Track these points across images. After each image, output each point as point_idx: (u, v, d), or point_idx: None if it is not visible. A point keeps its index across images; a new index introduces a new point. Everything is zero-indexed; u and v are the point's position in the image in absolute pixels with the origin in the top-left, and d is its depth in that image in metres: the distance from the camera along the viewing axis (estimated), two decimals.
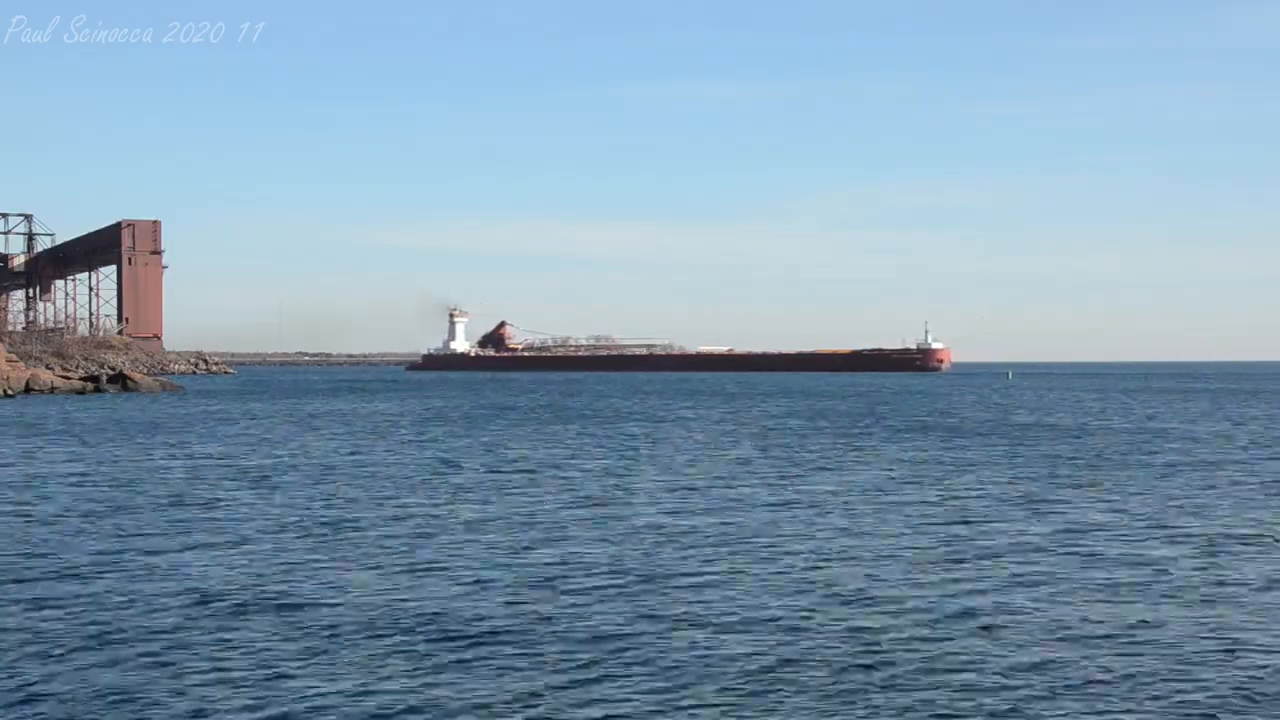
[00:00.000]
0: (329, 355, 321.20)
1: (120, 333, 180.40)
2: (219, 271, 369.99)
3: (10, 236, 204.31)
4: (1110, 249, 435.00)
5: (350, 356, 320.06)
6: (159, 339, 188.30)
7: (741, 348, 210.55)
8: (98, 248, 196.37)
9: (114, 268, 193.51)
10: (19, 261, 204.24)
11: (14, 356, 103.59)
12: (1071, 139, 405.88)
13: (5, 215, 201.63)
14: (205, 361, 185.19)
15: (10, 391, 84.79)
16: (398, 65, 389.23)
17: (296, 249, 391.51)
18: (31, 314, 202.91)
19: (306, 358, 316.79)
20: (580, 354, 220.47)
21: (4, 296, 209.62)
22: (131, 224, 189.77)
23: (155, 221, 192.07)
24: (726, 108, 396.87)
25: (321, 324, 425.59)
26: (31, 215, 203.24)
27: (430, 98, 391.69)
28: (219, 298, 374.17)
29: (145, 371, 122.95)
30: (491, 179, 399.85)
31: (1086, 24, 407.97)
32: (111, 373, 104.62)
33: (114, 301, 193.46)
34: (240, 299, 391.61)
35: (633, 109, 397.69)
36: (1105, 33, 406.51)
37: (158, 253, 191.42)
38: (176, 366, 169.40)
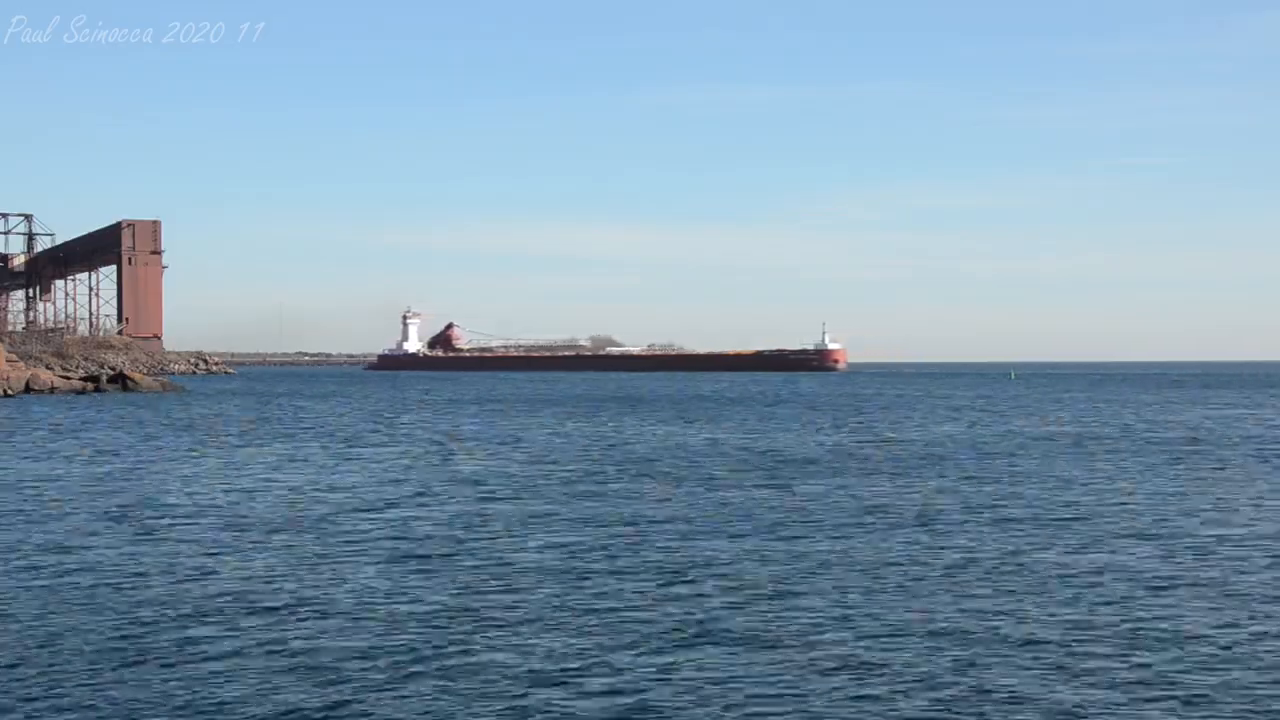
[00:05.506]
0: (329, 355, 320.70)
1: (120, 333, 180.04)
2: (219, 271, 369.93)
3: (10, 236, 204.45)
4: (1110, 249, 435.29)
5: (350, 356, 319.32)
6: (159, 339, 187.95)
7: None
8: (98, 248, 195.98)
9: (114, 268, 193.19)
10: (19, 261, 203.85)
11: (14, 356, 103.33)
12: (1083, 142, 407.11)
13: (5, 215, 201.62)
14: (205, 361, 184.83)
15: (10, 391, 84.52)
16: (398, 65, 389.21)
17: (296, 249, 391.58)
18: (31, 314, 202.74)
19: (307, 358, 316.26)
20: (518, 355, 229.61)
21: (4, 296, 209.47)
22: (131, 224, 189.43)
23: (155, 221, 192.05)
24: (728, 109, 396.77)
25: (322, 324, 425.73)
26: (31, 215, 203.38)
27: (430, 98, 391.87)
28: (219, 298, 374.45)
29: (145, 371, 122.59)
30: (492, 179, 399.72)
31: (1093, 30, 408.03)
32: (111, 373, 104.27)
33: (114, 301, 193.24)
34: (240, 299, 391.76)
35: (634, 112, 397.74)
36: (1108, 40, 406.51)
37: (158, 253, 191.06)
38: (176, 366, 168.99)
